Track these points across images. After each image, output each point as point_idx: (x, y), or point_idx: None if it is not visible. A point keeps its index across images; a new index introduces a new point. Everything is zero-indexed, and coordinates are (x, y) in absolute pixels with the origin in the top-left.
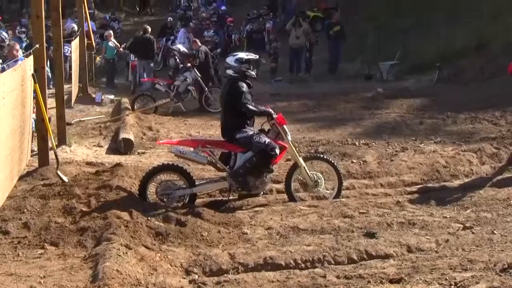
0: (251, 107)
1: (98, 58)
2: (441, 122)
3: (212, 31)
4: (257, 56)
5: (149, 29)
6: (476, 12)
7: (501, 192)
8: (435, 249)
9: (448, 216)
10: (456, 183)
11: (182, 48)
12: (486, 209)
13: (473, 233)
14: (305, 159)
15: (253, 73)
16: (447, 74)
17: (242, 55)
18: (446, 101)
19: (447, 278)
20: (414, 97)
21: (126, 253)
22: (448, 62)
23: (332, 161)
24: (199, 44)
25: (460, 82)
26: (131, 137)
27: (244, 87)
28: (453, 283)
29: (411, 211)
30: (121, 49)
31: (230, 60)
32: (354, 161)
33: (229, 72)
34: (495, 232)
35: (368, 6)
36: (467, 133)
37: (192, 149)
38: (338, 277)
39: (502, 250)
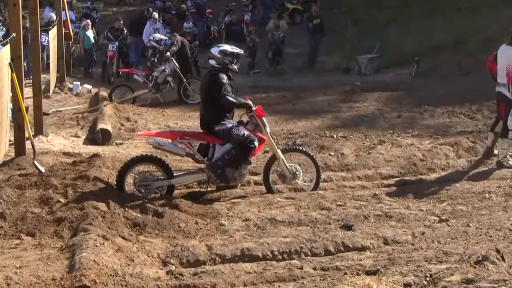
0: (230, 98)
1: (73, 47)
2: (418, 115)
3: (191, 22)
4: (242, 51)
5: (145, 13)
6: (454, 7)
7: (477, 185)
8: (411, 242)
9: (424, 209)
10: (432, 176)
11: (158, 36)
12: (462, 202)
13: (448, 225)
14: (284, 151)
15: (236, 67)
16: (425, 68)
17: (227, 47)
18: (423, 95)
19: (422, 270)
20: (392, 91)
21: (103, 243)
22: (426, 56)
23: (311, 154)
24: (178, 36)
25: (438, 76)
26: (109, 127)
27: (225, 78)
28: (428, 275)
29: (388, 204)
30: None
31: (214, 50)
32: (332, 153)
33: (212, 62)
34: (470, 225)
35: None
36: (444, 126)
37: (170, 140)
38: (315, 268)
39: (477, 243)
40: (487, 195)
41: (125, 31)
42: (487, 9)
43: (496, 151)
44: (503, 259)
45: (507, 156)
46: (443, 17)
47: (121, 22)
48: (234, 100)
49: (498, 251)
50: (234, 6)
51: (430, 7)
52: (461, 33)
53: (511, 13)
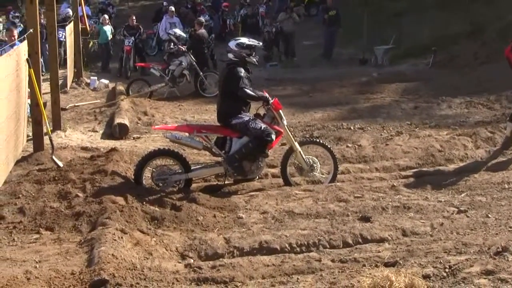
0: (248, 91)
1: (91, 42)
2: (436, 106)
3: (207, 15)
4: (260, 43)
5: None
6: None
7: (496, 176)
8: (430, 233)
9: (443, 200)
10: (451, 167)
11: (178, 32)
12: (481, 193)
13: (467, 216)
14: (301, 143)
15: (254, 59)
16: (442, 59)
17: (244, 40)
18: (441, 86)
19: (441, 261)
20: (409, 81)
21: (122, 237)
22: (443, 47)
23: (328, 146)
24: (202, 29)
25: (455, 67)
26: (126, 122)
27: (242, 72)
28: (447, 267)
29: (406, 195)
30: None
31: (231, 44)
32: (349, 145)
33: (230, 56)
34: (489, 215)
35: None
36: (462, 117)
37: (187, 134)
38: (333, 260)
39: (496, 234)
40: (506, 186)
41: (141, 29)
42: None
43: None
44: None
45: None
46: (459, 7)
47: (134, 18)
48: (252, 93)
49: None
50: (249, 0)
51: None
52: (478, 23)
53: None
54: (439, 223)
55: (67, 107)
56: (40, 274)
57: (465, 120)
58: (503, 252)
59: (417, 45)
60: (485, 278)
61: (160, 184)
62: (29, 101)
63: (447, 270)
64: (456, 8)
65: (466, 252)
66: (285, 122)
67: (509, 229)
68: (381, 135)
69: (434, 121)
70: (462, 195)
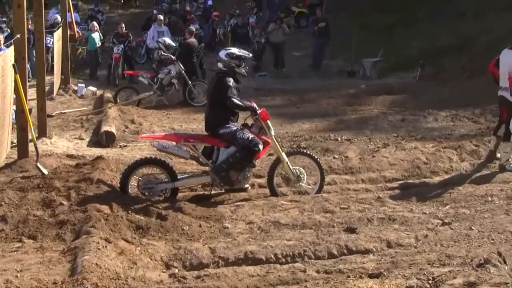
0: (236, 101)
1: (80, 49)
2: (422, 119)
3: (197, 24)
4: (250, 54)
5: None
6: (459, 11)
7: (480, 188)
8: (414, 245)
9: (428, 212)
10: (436, 179)
11: (168, 40)
12: (465, 205)
13: (451, 229)
14: (288, 154)
15: (243, 70)
16: (429, 72)
17: (234, 50)
18: (427, 99)
19: (425, 273)
20: (396, 94)
21: (106, 246)
22: (431, 60)
23: (315, 157)
24: (193, 38)
25: (442, 80)
26: (113, 130)
27: (231, 81)
28: (431, 278)
29: (392, 207)
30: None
31: (221, 53)
32: (336, 156)
33: (219, 65)
34: (472, 228)
35: (352, 3)
36: (448, 130)
37: (174, 143)
38: (318, 271)
39: (479, 246)
40: (489, 198)
41: (130, 37)
42: (491, 13)
43: (498, 155)
44: (505, 262)
45: (510, 160)
46: (447, 21)
47: (123, 26)
48: (240, 103)
49: (500, 254)
50: (239, 11)
51: (435, 11)
52: (465, 37)
53: None
54: (423, 235)
55: (53, 114)
56: (21, 284)
57: (450, 133)
58: (485, 264)
59: (405, 58)
60: None
61: (146, 193)
62: (14, 107)
63: (430, 281)
64: (444, 23)
65: (449, 264)
66: (272, 133)
67: (492, 241)
68: (368, 146)
69: (420, 134)
70: (447, 207)
